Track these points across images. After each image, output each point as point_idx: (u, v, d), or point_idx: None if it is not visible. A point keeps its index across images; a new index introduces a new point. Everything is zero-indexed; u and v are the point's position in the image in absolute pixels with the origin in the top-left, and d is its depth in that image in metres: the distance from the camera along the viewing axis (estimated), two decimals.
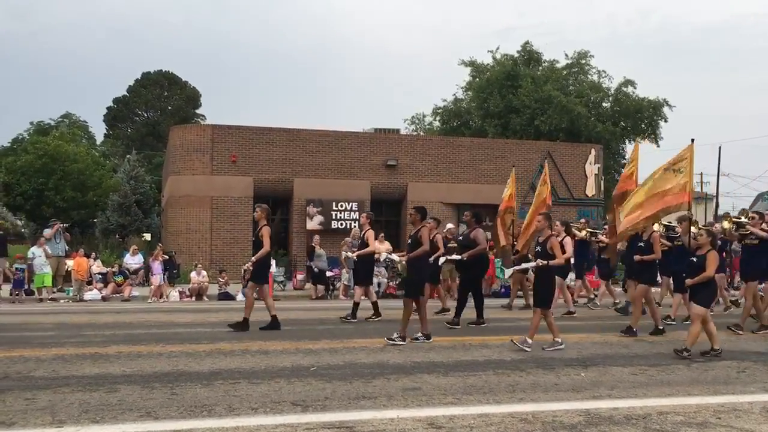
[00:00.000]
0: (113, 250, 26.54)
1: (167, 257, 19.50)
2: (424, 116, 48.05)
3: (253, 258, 10.81)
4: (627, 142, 41.11)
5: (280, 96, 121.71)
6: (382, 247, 17.89)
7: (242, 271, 11.28)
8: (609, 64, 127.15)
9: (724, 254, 15.96)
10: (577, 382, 7.00)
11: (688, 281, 8.61)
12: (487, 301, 15.97)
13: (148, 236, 34.21)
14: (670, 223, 13.65)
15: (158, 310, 14.95)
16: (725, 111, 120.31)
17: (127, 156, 40.93)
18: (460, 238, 12.49)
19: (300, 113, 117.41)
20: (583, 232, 15.45)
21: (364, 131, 29.98)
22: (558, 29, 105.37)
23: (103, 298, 17.55)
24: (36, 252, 17.40)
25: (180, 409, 5.70)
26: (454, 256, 12.28)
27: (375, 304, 12.50)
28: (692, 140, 9.93)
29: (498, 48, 63.35)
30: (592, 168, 28.47)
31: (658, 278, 12.66)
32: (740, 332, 10.71)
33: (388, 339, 9.26)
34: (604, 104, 41.27)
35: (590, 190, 28.30)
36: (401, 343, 9.14)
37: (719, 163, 43.20)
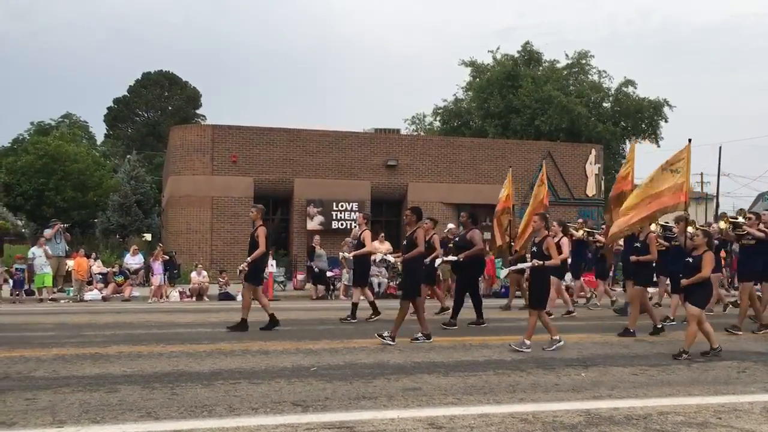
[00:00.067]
0: (114, 250, 26.57)
1: (167, 257, 19.51)
2: (424, 116, 48.10)
3: (248, 258, 10.79)
4: (627, 142, 41.11)
5: (281, 96, 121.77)
6: (382, 248, 17.90)
7: (238, 271, 11.26)
8: (609, 65, 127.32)
9: (725, 254, 16.01)
10: (577, 382, 7.00)
11: (684, 281, 8.62)
12: (487, 302, 15.98)
13: (148, 236, 34.20)
14: (667, 223, 13.65)
15: (158, 310, 14.96)
16: (725, 111, 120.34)
17: (128, 156, 40.96)
18: (457, 239, 12.48)
19: (300, 113, 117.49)
20: (581, 232, 15.45)
21: (365, 131, 29.99)
22: (558, 29, 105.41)
23: (104, 299, 17.55)
24: (36, 252, 17.40)
25: (180, 409, 5.70)
26: (451, 257, 12.27)
27: (372, 304, 12.52)
28: (689, 140, 9.93)
29: (498, 48, 63.40)
30: (592, 168, 28.47)
31: (654, 278, 12.66)
32: (739, 333, 10.70)
33: (378, 336, 9.26)
34: (604, 104, 41.29)
35: (591, 190, 28.30)
36: (391, 343, 9.14)
37: (719, 163, 43.25)
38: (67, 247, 19.22)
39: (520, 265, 11.48)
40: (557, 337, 9.05)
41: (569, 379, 7.15)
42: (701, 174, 53.91)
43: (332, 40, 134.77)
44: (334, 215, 24.62)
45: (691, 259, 8.69)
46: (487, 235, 16.85)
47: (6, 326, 11.54)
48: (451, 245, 13.36)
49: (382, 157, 25.81)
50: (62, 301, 17.20)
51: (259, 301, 10.99)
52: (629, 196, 10.89)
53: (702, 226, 12.18)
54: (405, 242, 10.03)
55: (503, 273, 16.14)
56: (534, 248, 9.35)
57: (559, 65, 42.26)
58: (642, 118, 40.53)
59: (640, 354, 8.86)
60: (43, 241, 17.85)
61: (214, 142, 24.31)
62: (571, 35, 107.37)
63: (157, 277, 17.63)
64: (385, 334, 9.26)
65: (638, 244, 10.87)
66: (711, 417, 5.65)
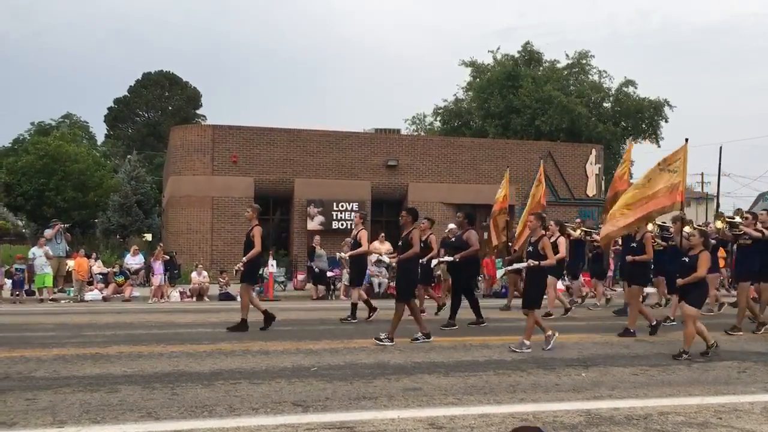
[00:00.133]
0: (114, 250, 26.56)
1: (168, 257, 19.51)
2: (424, 116, 48.11)
3: (244, 258, 10.79)
4: (628, 142, 41.13)
5: (281, 96, 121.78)
6: (382, 248, 17.90)
7: (234, 271, 11.27)
8: (610, 65, 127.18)
9: (725, 254, 16.00)
10: (577, 383, 7.00)
11: (679, 281, 8.62)
12: (487, 302, 15.99)
13: (148, 236, 34.22)
14: (664, 223, 13.65)
15: (159, 310, 14.96)
16: (726, 111, 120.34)
17: (128, 156, 40.95)
18: (453, 239, 12.48)
19: (300, 113, 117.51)
20: (578, 232, 15.45)
21: (365, 131, 29.98)
22: (559, 29, 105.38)
23: (104, 299, 17.55)
24: (36, 252, 17.40)
25: (181, 409, 5.70)
26: (447, 258, 12.26)
27: (367, 302, 12.52)
28: (686, 140, 9.93)
29: (498, 48, 63.43)
30: (592, 168, 28.49)
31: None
32: (739, 333, 10.70)
33: (376, 339, 9.26)
34: (604, 104, 41.29)
35: (591, 191, 28.31)
36: (389, 344, 9.14)
37: (720, 163, 43.19)
38: (68, 248, 19.23)
39: (516, 265, 11.48)
40: (550, 333, 9.03)
41: (569, 380, 7.15)
42: (701, 174, 53.95)
43: (332, 40, 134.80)
44: (334, 215, 24.62)
45: (687, 259, 8.69)
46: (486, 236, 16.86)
47: (6, 326, 11.55)
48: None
49: (382, 158, 25.81)
50: (63, 302, 17.20)
51: (251, 301, 11.00)
52: (625, 195, 10.83)
53: (699, 225, 12.19)
54: (400, 243, 10.04)
55: (500, 273, 16.15)
56: (530, 248, 9.34)
57: (559, 65, 42.28)
58: (642, 118, 40.54)
59: (641, 354, 8.86)
60: (43, 242, 17.86)
61: (215, 142, 24.32)
62: (571, 35, 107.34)
63: (158, 277, 17.63)
64: (383, 336, 9.26)
65: (634, 244, 10.88)
66: (711, 417, 5.65)
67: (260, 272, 18.73)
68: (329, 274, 18.83)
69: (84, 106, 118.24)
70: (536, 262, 9.03)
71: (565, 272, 15.25)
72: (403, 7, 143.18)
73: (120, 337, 10.11)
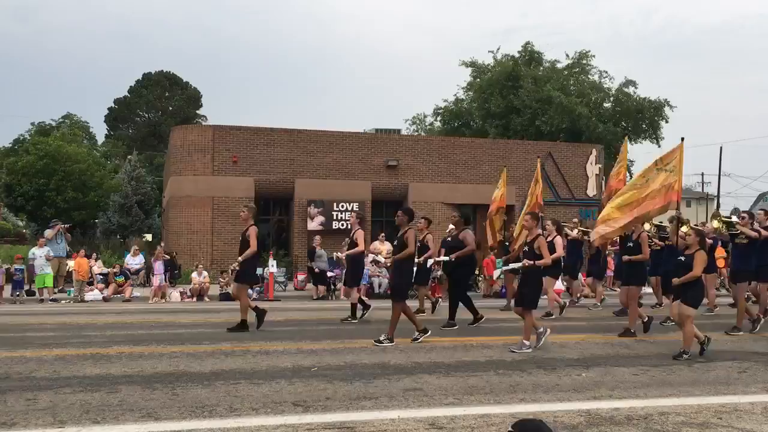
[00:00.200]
0: (114, 250, 26.56)
1: (168, 257, 19.50)
2: (425, 116, 48.14)
3: (239, 258, 10.78)
4: (629, 142, 41.12)
5: (281, 96, 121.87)
6: (383, 248, 17.92)
7: (230, 271, 11.26)
8: (610, 65, 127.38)
9: (725, 254, 15.97)
10: (578, 383, 7.00)
11: (675, 280, 8.63)
12: (488, 302, 16.01)
13: (149, 237, 34.24)
14: (661, 223, 13.63)
15: (159, 310, 14.96)
16: (727, 111, 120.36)
17: (129, 156, 40.96)
18: (449, 239, 12.47)
19: (301, 114, 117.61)
20: (575, 231, 15.44)
21: (365, 132, 29.98)
22: (560, 30, 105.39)
23: (104, 299, 17.55)
24: (37, 253, 17.40)
25: (181, 409, 5.70)
26: (442, 257, 12.25)
27: (362, 301, 12.53)
28: (682, 139, 9.93)
29: (499, 48, 63.51)
30: (593, 168, 28.48)
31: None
32: (739, 333, 10.71)
33: (375, 341, 9.26)
34: (605, 104, 41.27)
35: (591, 191, 28.31)
36: (389, 344, 9.14)
37: (720, 163, 43.29)
38: (68, 248, 19.23)
39: (512, 265, 11.45)
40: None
41: (570, 380, 7.15)
42: (702, 174, 54.01)
43: (333, 41, 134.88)
44: (334, 215, 24.62)
45: (683, 258, 8.70)
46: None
47: (7, 326, 11.55)
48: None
49: (382, 158, 25.80)
50: (63, 302, 17.19)
51: (241, 300, 10.99)
52: (622, 193, 10.71)
53: (696, 225, 12.19)
54: (395, 243, 10.04)
55: (496, 274, 16.14)
56: (526, 248, 9.34)
57: (559, 65, 42.27)
58: (643, 118, 40.51)
59: (641, 354, 8.86)
60: (43, 242, 17.85)
61: (215, 142, 24.31)
62: (572, 36, 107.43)
63: (158, 277, 17.62)
64: (382, 337, 9.26)
65: (631, 244, 10.87)
66: (712, 417, 5.65)
67: (262, 272, 18.83)
68: (329, 274, 18.82)
69: (84, 107, 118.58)
70: (531, 262, 9.02)
71: (562, 273, 15.23)
72: (404, 7, 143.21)
73: (120, 337, 10.11)
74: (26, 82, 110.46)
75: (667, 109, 40.36)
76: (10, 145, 50.13)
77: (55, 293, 17.54)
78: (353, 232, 12.74)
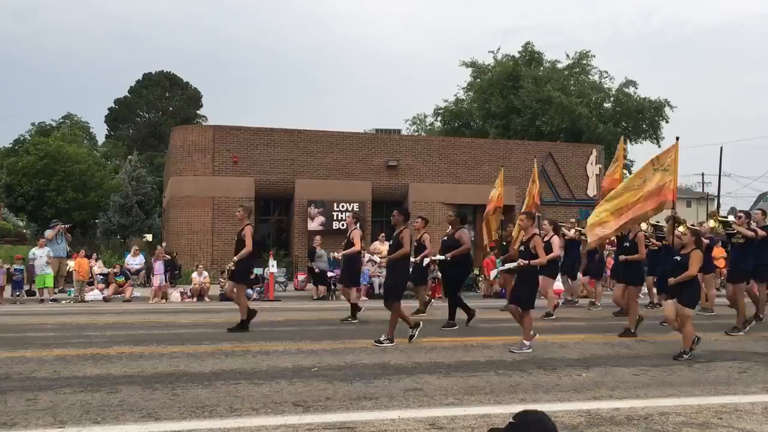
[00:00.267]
0: (115, 250, 26.56)
1: (168, 257, 19.50)
2: (425, 117, 48.15)
3: (235, 258, 10.79)
4: (630, 142, 41.13)
5: (281, 97, 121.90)
6: (383, 248, 17.90)
7: (226, 270, 11.26)
8: (611, 65, 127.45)
9: (726, 253, 15.96)
10: (578, 383, 7.00)
11: (671, 280, 8.63)
12: (489, 302, 16.01)
13: (149, 237, 34.25)
14: (658, 222, 13.62)
15: (159, 310, 14.96)
16: (727, 111, 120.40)
17: (129, 157, 40.97)
18: (445, 238, 12.48)
19: (301, 114, 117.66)
20: (572, 231, 15.42)
21: (366, 132, 29.99)
22: (560, 30, 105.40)
23: (105, 299, 17.55)
24: (37, 253, 17.40)
25: (181, 409, 5.70)
26: (438, 256, 12.26)
27: (357, 305, 12.52)
28: (677, 138, 9.93)
29: (499, 48, 63.51)
30: (593, 168, 28.50)
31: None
32: (739, 333, 10.71)
33: (375, 341, 9.26)
34: (605, 105, 41.28)
35: (592, 191, 28.30)
36: (389, 344, 9.15)
37: (720, 164, 43.27)
38: (68, 248, 19.23)
39: (508, 266, 11.44)
40: (528, 343, 8.89)
41: (570, 380, 7.15)
42: (702, 174, 54.04)
43: (333, 41, 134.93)
44: (335, 216, 24.62)
45: (679, 258, 8.70)
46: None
47: (7, 327, 11.55)
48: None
49: (383, 158, 25.81)
50: (63, 302, 17.20)
51: (234, 300, 10.98)
52: (618, 194, 10.63)
53: (693, 225, 12.18)
54: (391, 242, 10.04)
55: (493, 274, 16.13)
56: (522, 247, 9.33)
57: (560, 65, 42.28)
58: (643, 118, 40.52)
59: (642, 354, 8.86)
60: (43, 242, 17.85)
61: (215, 142, 24.32)
62: (572, 36, 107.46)
63: (158, 277, 17.62)
64: (382, 338, 9.26)
65: (627, 244, 10.85)
66: (712, 417, 5.65)
67: (262, 272, 18.84)
68: (330, 274, 18.81)
69: (84, 107, 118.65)
70: (526, 261, 9.02)
71: (560, 272, 15.21)
72: (404, 7, 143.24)
73: (120, 337, 10.11)
74: (26, 82, 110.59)
75: (667, 109, 40.39)
76: (11, 146, 50.11)
77: (55, 293, 17.54)
78: (350, 232, 12.76)
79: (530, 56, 41.87)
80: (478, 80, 42.19)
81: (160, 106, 58.61)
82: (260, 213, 25.33)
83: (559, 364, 7.97)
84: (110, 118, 58.60)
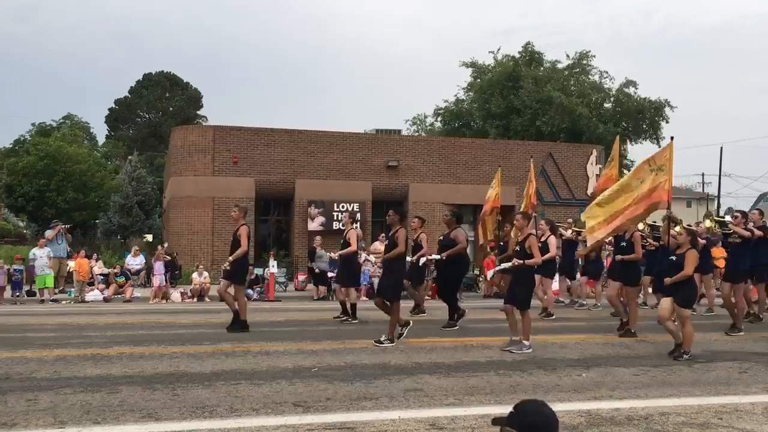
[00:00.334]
0: (115, 251, 26.56)
1: (168, 258, 19.50)
2: (425, 117, 48.15)
3: (230, 258, 10.79)
4: (630, 142, 41.13)
5: (282, 97, 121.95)
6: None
7: (222, 270, 11.27)
8: (611, 65, 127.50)
9: (726, 253, 15.96)
10: (578, 383, 7.00)
11: (667, 280, 8.63)
12: (489, 302, 16.00)
13: (149, 237, 34.24)
14: (654, 222, 13.61)
15: (160, 311, 14.96)
16: (727, 111, 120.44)
17: (129, 157, 40.98)
18: (441, 237, 12.48)
19: (301, 114, 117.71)
20: (569, 232, 15.41)
21: (366, 132, 29.99)
22: (560, 30, 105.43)
23: (105, 299, 17.55)
24: (37, 253, 17.40)
25: (181, 409, 5.70)
26: (434, 256, 12.26)
27: (343, 304, 12.52)
28: (671, 138, 9.93)
29: (499, 49, 63.50)
30: (593, 168, 28.50)
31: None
32: (739, 333, 10.71)
33: (375, 342, 9.26)
34: (605, 105, 41.27)
35: (592, 191, 28.30)
36: (389, 345, 9.15)
37: (720, 164, 43.27)
38: (68, 248, 19.22)
39: (503, 266, 11.44)
40: (527, 343, 8.89)
41: (570, 380, 7.14)
42: (702, 174, 54.04)
43: (333, 41, 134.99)
44: (335, 216, 24.63)
45: (674, 258, 8.70)
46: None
47: (7, 327, 11.55)
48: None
49: (383, 158, 25.81)
50: (63, 302, 17.20)
51: (226, 299, 10.99)
52: (613, 197, 10.58)
53: (689, 225, 12.19)
54: (386, 242, 10.05)
55: (489, 274, 16.13)
56: (517, 247, 9.33)
57: (560, 66, 42.27)
58: (643, 118, 40.51)
59: (642, 354, 8.86)
60: (43, 242, 17.85)
61: (216, 142, 24.33)
62: (572, 36, 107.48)
63: (158, 277, 17.62)
64: (383, 338, 9.26)
65: (624, 244, 10.86)
66: (712, 417, 5.65)
67: (263, 272, 18.84)
68: (330, 274, 18.80)
69: (85, 107, 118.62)
70: (520, 261, 9.02)
71: (558, 273, 15.20)
72: (403, 7, 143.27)
73: (121, 337, 10.11)
74: (26, 82, 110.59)
75: (667, 109, 40.38)
76: (11, 146, 50.10)
77: (55, 294, 17.55)
78: (346, 232, 12.77)
79: (530, 56, 41.87)
80: (479, 80, 42.18)
81: (160, 107, 58.61)
82: (260, 213, 25.35)
83: (560, 365, 7.97)
84: (110, 118, 58.61)
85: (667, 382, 7.13)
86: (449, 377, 7.16)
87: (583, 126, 37.38)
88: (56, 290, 17.78)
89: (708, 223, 12.87)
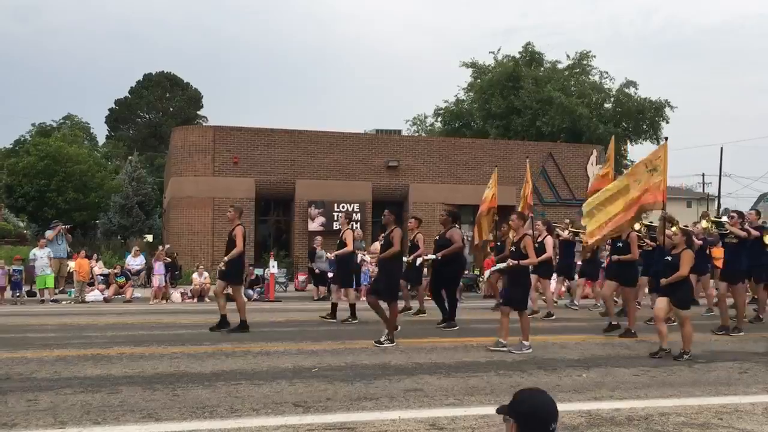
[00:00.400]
0: (115, 251, 26.55)
1: (169, 259, 19.49)
2: (425, 117, 48.12)
3: (225, 258, 10.80)
4: (630, 142, 41.11)
5: (281, 96, 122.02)
6: None
7: (218, 270, 11.28)
8: (611, 65, 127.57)
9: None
10: (578, 383, 7.00)
11: (663, 281, 8.64)
12: (489, 302, 15.97)
13: (150, 237, 34.24)
14: (651, 223, 13.60)
15: (160, 311, 14.97)
16: (728, 112, 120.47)
17: (129, 157, 40.96)
18: (437, 237, 12.49)
19: (301, 114, 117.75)
20: (566, 232, 15.39)
21: (366, 132, 29.98)
22: (560, 30, 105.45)
23: (105, 300, 17.55)
24: (37, 254, 17.40)
25: (182, 410, 5.70)
26: (430, 256, 12.26)
27: (335, 305, 12.49)
28: (665, 138, 9.94)
29: (499, 49, 63.45)
30: (593, 169, 28.48)
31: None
32: (740, 333, 10.71)
33: (375, 342, 9.26)
34: (605, 105, 41.25)
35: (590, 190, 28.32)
36: (389, 345, 9.15)
37: (721, 164, 43.28)
38: (69, 249, 19.22)
39: (499, 266, 11.43)
40: (504, 342, 8.92)
41: (570, 380, 7.15)
42: (702, 175, 54.06)
43: (333, 41, 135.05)
44: (335, 216, 24.61)
45: (670, 258, 8.71)
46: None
47: (8, 327, 11.55)
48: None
49: (383, 158, 25.80)
50: (64, 303, 17.20)
51: (219, 301, 10.99)
52: (610, 200, 10.55)
53: (685, 225, 12.19)
54: (382, 242, 10.05)
55: (486, 274, 16.12)
56: (513, 247, 9.34)
57: (560, 66, 42.26)
58: (643, 119, 40.49)
59: (642, 355, 8.85)
60: (44, 243, 17.85)
61: (216, 143, 24.33)
62: (572, 36, 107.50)
63: (157, 278, 17.61)
64: (382, 338, 9.26)
65: (620, 244, 10.86)
66: (712, 418, 5.65)
67: (263, 273, 18.83)
68: (330, 275, 18.81)
69: (85, 107, 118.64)
70: (515, 262, 9.01)
71: (556, 273, 15.18)
72: (403, 7, 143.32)
73: (121, 338, 10.11)
74: (26, 82, 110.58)
75: (667, 109, 40.36)
76: (11, 146, 50.13)
77: (56, 294, 17.55)
78: (342, 232, 12.78)
79: (530, 57, 41.84)
80: (479, 81, 42.16)
81: (160, 107, 58.62)
82: (260, 213, 25.34)
83: (560, 365, 7.98)
84: (111, 118, 58.63)
85: (668, 383, 7.13)
86: (449, 377, 7.16)
87: (584, 126, 37.36)
88: (56, 290, 17.78)
89: (705, 223, 12.87)
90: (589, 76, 42.19)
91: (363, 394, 6.35)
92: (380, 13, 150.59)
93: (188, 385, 6.64)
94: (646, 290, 14.77)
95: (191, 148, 24.43)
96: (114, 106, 58.47)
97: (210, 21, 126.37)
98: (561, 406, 5.92)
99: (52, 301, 16.97)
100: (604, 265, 16.93)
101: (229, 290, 11.25)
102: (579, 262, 15.75)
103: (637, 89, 40.92)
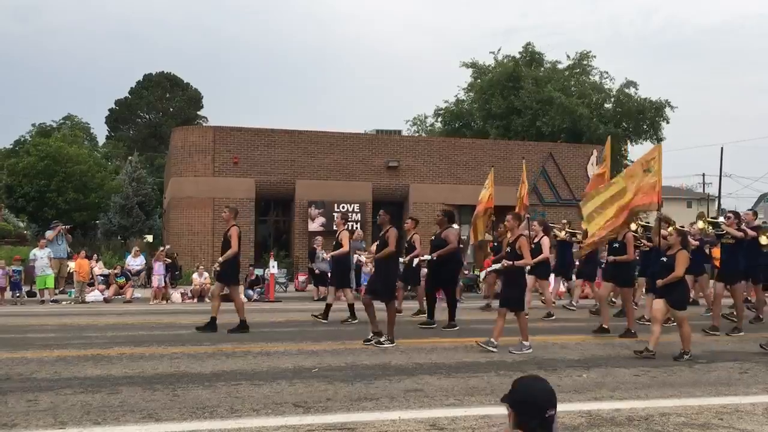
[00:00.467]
0: (115, 251, 26.55)
1: (169, 259, 19.49)
2: (425, 117, 48.11)
3: (220, 258, 10.80)
4: (630, 143, 41.10)
5: (281, 96, 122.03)
6: None
7: (213, 270, 11.29)
8: (611, 65, 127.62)
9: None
10: (579, 384, 7.00)
11: (659, 281, 8.64)
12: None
13: (150, 238, 34.24)
14: (648, 223, 13.60)
15: (160, 311, 14.97)
16: (728, 112, 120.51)
17: (129, 158, 40.96)
18: (432, 237, 12.49)
19: (301, 115, 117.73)
20: (563, 233, 15.38)
21: (366, 132, 29.97)
22: (560, 30, 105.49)
23: (105, 300, 17.55)
24: (37, 254, 17.40)
25: (182, 410, 5.70)
26: (425, 256, 12.26)
27: (329, 306, 12.47)
28: (659, 140, 9.96)
29: (500, 49, 63.34)
30: (594, 169, 28.47)
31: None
32: (740, 333, 10.71)
33: (376, 342, 9.25)
34: (606, 105, 41.24)
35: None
36: (389, 345, 9.15)
37: (721, 164, 43.31)
38: (69, 249, 19.22)
39: (494, 266, 11.43)
40: (495, 342, 8.88)
41: (571, 381, 7.14)
42: (703, 175, 54.08)
43: (333, 41, 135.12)
44: (335, 217, 24.57)
45: (665, 259, 8.70)
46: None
47: (8, 328, 11.55)
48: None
49: (383, 159, 25.79)
50: (64, 303, 17.19)
51: (213, 303, 10.99)
52: (609, 202, 10.53)
53: (682, 226, 12.19)
54: (378, 243, 10.06)
55: (482, 275, 16.12)
56: (508, 248, 9.33)
57: (560, 66, 42.25)
58: (643, 119, 40.48)
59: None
60: (44, 243, 17.84)
61: (216, 143, 24.32)
62: (572, 36, 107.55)
63: (157, 278, 17.60)
64: (383, 338, 9.26)
65: (617, 245, 10.86)
66: (713, 418, 5.65)
67: (263, 273, 18.83)
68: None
69: (85, 108, 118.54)
70: (510, 262, 9.01)
71: (554, 274, 15.16)
72: (403, 7, 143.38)
73: (121, 338, 10.11)
74: (26, 82, 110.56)
75: (667, 109, 40.34)
76: (11, 147, 50.14)
77: (56, 294, 17.54)
78: (338, 233, 12.78)
79: (531, 57, 41.84)
80: (479, 81, 42.15)
81: (160, 107, 58.63)
82: (260, 214, 25.33)
83: (560, 365, 7.97)
84: (111, 119, 58.64)
85: (668, 383, 7.12)
86: (450, 378, 7.16)
87: (584, 126, 37.36)
88: (56, 291, 17.77)
89: (701, 224, 12.87)
90: (590, 77, 42.18)
91: (363, 394, 6.34)
92: (380, 13, 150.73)
93: (188, 385, 6.64)
94: (644, 290, 14.78)
95: (191, 149, 24.43)
96: (114, 106, 58.50)
97: (210, 21, 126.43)
98: (561, 407, 5.91)
99: (52, 301, 16.96)
100: (603, 265, 16.99)
101: (227, 291, 11.23)
102: (577, 263, 15.73)
103: (637, 89, 40.92)
